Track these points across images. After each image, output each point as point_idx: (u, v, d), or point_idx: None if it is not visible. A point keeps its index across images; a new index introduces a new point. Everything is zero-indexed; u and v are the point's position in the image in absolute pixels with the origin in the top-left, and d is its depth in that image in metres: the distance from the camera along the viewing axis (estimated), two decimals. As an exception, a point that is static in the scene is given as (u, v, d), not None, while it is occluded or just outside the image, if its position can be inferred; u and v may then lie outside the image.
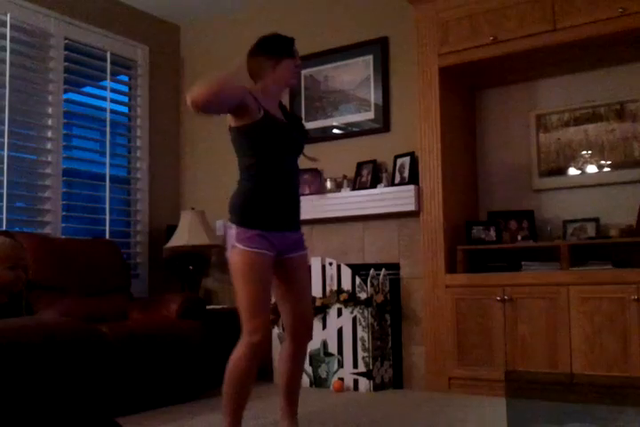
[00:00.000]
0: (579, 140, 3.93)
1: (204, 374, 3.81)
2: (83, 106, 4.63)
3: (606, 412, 3.07)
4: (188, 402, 3.63)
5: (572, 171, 3.93)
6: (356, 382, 3.91)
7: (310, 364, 4.02)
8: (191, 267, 4.62)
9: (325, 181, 4.33)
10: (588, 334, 3.35)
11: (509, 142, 4.13)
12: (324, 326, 4.02)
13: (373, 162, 4.22)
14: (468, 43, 3.75)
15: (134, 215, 4.81)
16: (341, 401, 3.64)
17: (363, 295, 3.92)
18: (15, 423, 1.87)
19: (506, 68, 3.90)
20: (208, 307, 4.19)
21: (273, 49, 2.54)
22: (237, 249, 2.42)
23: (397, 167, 4.09)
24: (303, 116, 4.55)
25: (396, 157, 4.12)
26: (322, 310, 4.02)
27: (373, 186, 4.12)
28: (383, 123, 4.28)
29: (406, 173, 4.03)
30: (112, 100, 4.67)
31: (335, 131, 4.49)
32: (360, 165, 4.27)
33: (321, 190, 4.28)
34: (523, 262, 3.70)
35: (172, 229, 4.64)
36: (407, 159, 4.06)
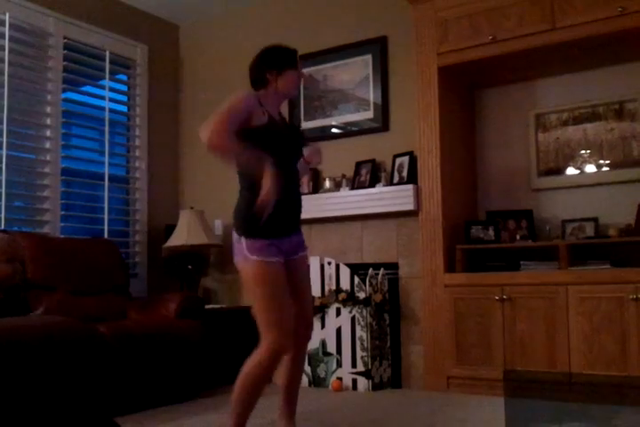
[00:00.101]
0: (577, 139, 3.93)
1: (203, 373, 3.81)
2: (82, 105, 4.63)
3: (605, 411, 3.07)
4: (187, 402, 3.63)
5: (571, 170, 3.93)
6: (354, 381, 3.91)
7: (309, 363, 4.02)
8: (190, 266, 4.62)
9: (324, 180, 4.33)
10: (587, 334, 3.35)
11: (508, 142, 4.13)
12: (323, 326, 4.02)
13: (372, 161, 4.22)
14: (468, 42, 3.74)
15: (133, 215, 4.81)
16: (340, 401, 3.64)
17: (361, 295, 3.92)
18: (14, 424, 1.87)
19: (505, 68, 3.90)
20: (207, 306, 4.19)
21: (275, 60, 2.56)
22: (251, 261, 2.42)
23: (396, 167, 4.09)
24: (302, 115, 4.55)
25: (395, 156, 4.12)
26: (320, 310, 4.02)
27: (372, 185, 4.12)
28: (382, 122, 4.28)
29: (405, 173, 4.03)
30: (111, 100, 4.67)
31: (334, 130, 4.49)
32: (359, 165, 4.27)
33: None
34: (521, 262, 3.70)
35: (170, 229, 4.64)
36: (406, 159, 4.06)
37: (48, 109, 4.28)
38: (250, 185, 2.46)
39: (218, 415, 3.27)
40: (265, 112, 2.47)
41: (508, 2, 3.64)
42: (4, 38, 4.01)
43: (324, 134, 4.47)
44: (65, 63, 4.37)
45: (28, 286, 3.58)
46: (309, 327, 2.67)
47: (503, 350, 3.55)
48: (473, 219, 4.05)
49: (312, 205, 4.14)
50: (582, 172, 3.90)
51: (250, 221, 2.43)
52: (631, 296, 3.24)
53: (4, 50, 4.01)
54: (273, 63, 2.54)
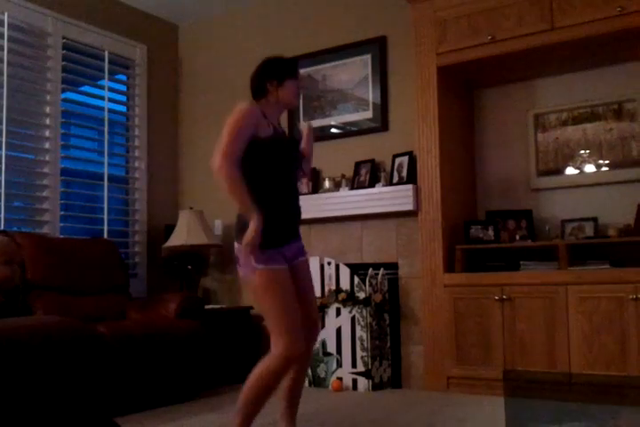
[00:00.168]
0: (577, 139, 3.93)
1: (203, 373, 3.81)
2: (81, 105, 4.63)
3: (605, 411, 3.07)
4: (187, 402, 3.63)
5: (571, 170, 3.93)
6: (354, 381, 3.91)
7: (309, 363, 4.02)
8: (190, 266, 4.62)
9: (324, 180, 4.33)
10: (587, 334, 3.35)
11: (508, 142, 4.13)
12: (323, 326, 4.02)
13: (372, 161, 4.22)
14: (467, 42, 3.75)
15: (132, 215, 4.81)
16: (340, 401, 3.64)
17: (361, 295, 3.92)
18: (14, 424, 1.87)
19: (504, 68, 3.90)
20: (207, 306, 4.19)
21: (276, 70, 2.59)
22: (259, 270, 2.45)
23: (396, 167, 4.09)
24: (301, 115, 4.55)
25: (395, 156, 4.12)
26: (321, 310, 4.01)
27: (372, 185, 4.12)
28: (381, 122, 4.28)
29: (404, 173, 4.03)
30: (110, 100, 4.67)
31: (333, 130, 4.49)
32: (358, 165, 4.27)
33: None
34: (521, 262, 3.70)
35: (170, 229, 4.64)
36: (405, 158, 4.06)
37: (47, 110, 4.27)
38: (253, 197, 2.47)
39: (218, 415, 3.28)
40: (270, 124, 2.51)
41: (507, 2, 3.64)
42: (3, 38, 4.01)
43: (323, 134, 4.46)
44: (64, 63, 4.36)
45: (28, 287, 3.58)
46: (316, 329, 2.69)
47: (503, 350, 3.55)
48: (472, 219, 4.05)
49: (312, 205, 4.15)
50: (582, 172, 3.90)
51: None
52: (631, 296, 3.24)
53: (2, 50, 4.01)
54: (273, 73, 2.58)
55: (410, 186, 3.91)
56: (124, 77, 4.92)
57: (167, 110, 5.10)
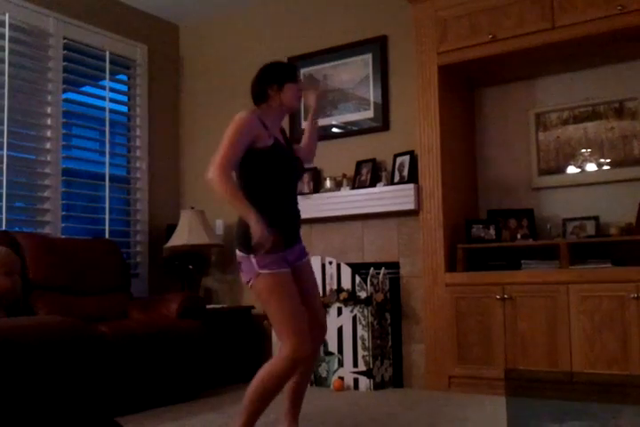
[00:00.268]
0: (578, 138, 3.93)
1: (204, 373, 3.81)
2: (82, 105, 4.63)
3: (606, 410, 3.07)
4: (188, 401, 3.64)
5: (572, 169, 3.93)
6: (356, 380, 3.91)
7: (310, 363, 4.02)
8: (191, 266, 4.62)
9: (325, 180, 4.33)
10: (588, 333, 3.35)
11: (509, 141, 4.13)
12: (324, 325, 4.02)
13: (373, 161, 4.22)
14: (467, 41, 3.74)
15: (134, 215, 4.81)
16: (341, 400, 3.64)
17: (362, 294, 3.92)
18: (15, 423, 1.88)
19: (505, 67, 3.90)
20: (208, 306, 4.19)
21: (275, 75, 2.61)
22: (263, 275, 2.46)
23: (397, 166, 4.09)
24: (302, 115, 4.55)
25: (396, 155, 4.12)
26: (322, 309, 4.02)
27: (373, 185, 4.12)
28: (382, 121, 4.27)
29: (406, 172, 4.03)
30: (111, 100, 4.67)
31: (334, 130, 4.49)
32: (359, 164, 4.27)
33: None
34: (522, 261, 3.70)
35: (171, 229, 4.64)
36: (406, 158, 4.06)
37: (48, 110, 4.28)
38: (254, 204, 2.48)
39: (218, 415, 3.28)
40: (270, 135, 2.52)
41: (508, 1, 3.63)
42: (4, 39, 4.01)
43: (324, 134, 4.46)
44: (65, 63, 4.37)
45: (30, 287, 3.59)
46: (323, 330, 2.70)
47: (504, 349, 3.55)
48: (474, 218, 4.05)
49: (313, 205, 4.15)
50: (583, 170, 3.90)
51: None
52: (632, 295, 3.24)
53: (3, 50, 4.01)
54: (273, 78, 2.60)
55: (411, 185, 3.91)
56: (124, 77, 4.92)
57: (168, 110, 5.10)
